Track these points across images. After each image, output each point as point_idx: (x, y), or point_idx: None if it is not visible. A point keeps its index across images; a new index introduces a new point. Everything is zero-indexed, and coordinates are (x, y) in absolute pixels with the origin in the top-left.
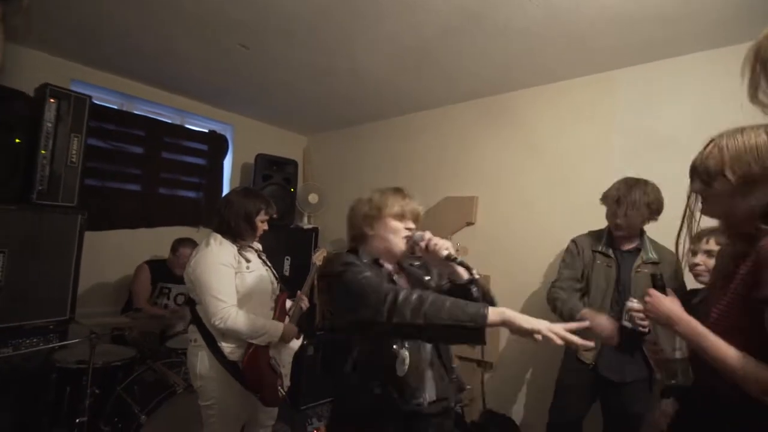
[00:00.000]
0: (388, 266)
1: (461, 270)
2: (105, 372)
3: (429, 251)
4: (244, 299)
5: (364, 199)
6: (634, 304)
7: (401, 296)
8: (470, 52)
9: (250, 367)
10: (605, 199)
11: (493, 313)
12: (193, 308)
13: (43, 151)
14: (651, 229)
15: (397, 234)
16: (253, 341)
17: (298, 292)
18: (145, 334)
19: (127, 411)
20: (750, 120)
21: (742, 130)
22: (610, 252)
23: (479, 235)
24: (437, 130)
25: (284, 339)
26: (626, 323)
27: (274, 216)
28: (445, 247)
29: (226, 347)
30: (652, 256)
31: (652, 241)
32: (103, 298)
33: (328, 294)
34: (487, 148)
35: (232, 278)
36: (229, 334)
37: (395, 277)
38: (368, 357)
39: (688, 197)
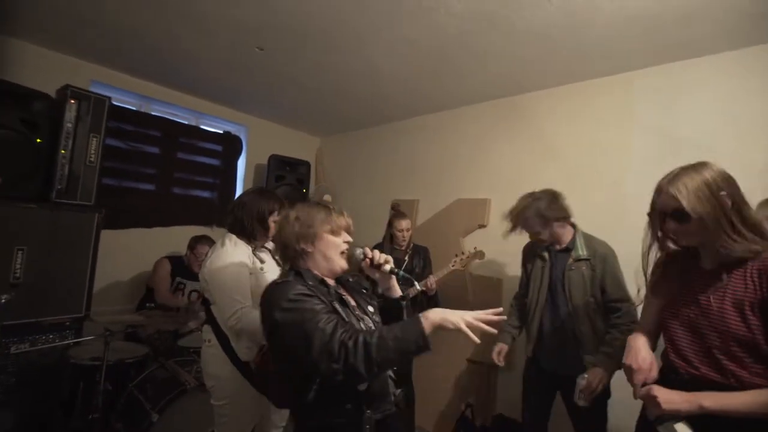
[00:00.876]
0: (332, 284)
1: (396, 285)
2: (118, 369)
3: (374, 266)
4: (258, 300)
5: (291, 218)
6: (583, 382)
7: (350, 352)
8: (487, 53)
9: (262, 368)
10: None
11: (428, 326)
12: (207, 308)
13: (63, 151)
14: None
15: (337, 249)
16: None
17: None
18: (159, 332)
19: (139, 408)
20: None
21: (682, 171)
22: (545, 254)
23: (491, 238)
24: (451, 131)
25: None
26: (580, 402)
27: None
28: (387, 261)
29: (240, 347)
30: (582, 253)
31: (586, 237)
32: (118, 295)
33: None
34: (501, 150)
35: (247, 278)
36: (244, 334)
37: (343, 295)
38: (330, 385)
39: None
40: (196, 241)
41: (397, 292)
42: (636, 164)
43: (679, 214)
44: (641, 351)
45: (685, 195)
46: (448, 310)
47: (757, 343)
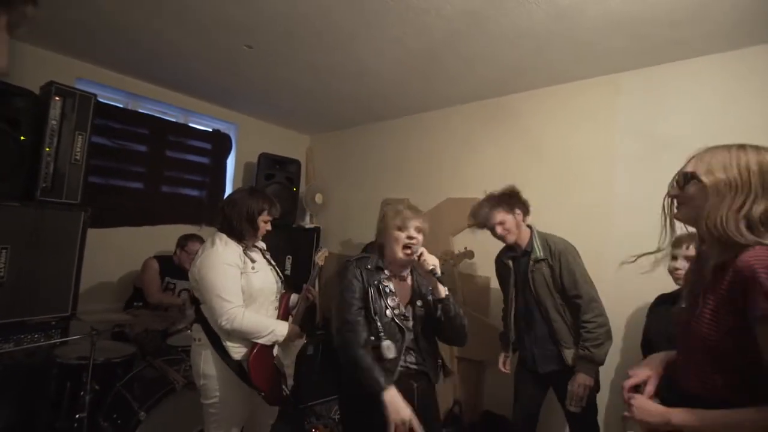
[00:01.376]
0: (386, 272)
1: (440, 286)
2: (105, 368)
3: (419, 263)
4: (250, 299)
5: (383, 212)
6: (571, 389)
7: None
8: (475, 54)
9: (256, 367)
10: None
11: (387, 396)
12: (197, 307)
13: (47, 149)
14: None
15: (397, 243)
16: (259, 341)
17: (305, 285)
18: (147, 331)
19: (126, 407)
20: (760, 123)
21: (718, 146)
22: (510, 262)
23: (481, 237)
24: (440, 131)
25: (289, 338)
26: (572, 408)
27: (277, 216)
28: (431, 263)
29: (232, 347)
30: (539, 254)
31: (542, 236)
32: (105, 295)
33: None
34: (489, 150)
35: (237, 278)
36: (236, 335)
37: (386, 282)
38: None
39: (664, 201)
40: (186, 239)
41: (439, 293)
42: (622, 165)
43: (688, 175)
44: (643, 366)
45: (705, 160)
46: (400, 404)
47: (725, 351)
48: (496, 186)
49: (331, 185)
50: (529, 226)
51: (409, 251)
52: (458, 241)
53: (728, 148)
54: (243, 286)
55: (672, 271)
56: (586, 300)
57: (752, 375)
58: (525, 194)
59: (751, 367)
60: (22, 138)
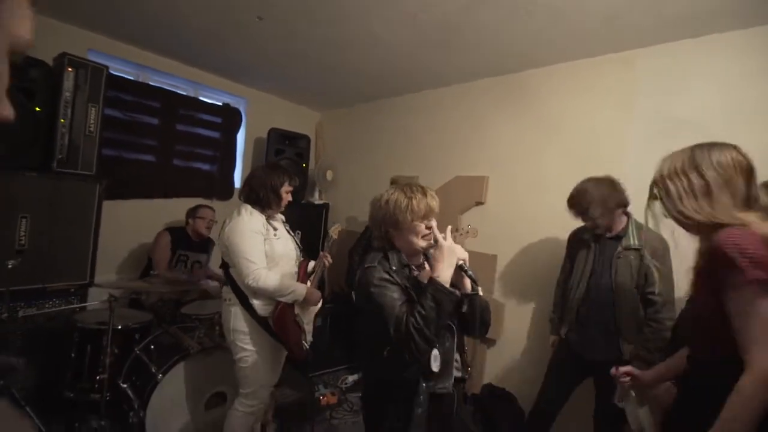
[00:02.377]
0: (415, 270)
1: (467, 282)
2: (124, 334)
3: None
4: (272, 263)
5: (384, 200)
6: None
7: (414, 338)
8: (492, 27)
9: (279, 322)
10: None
11: (446, 279)
12: (227, 271)
13: (62, 120)
14: None
15: (418, 234)
16: (281, 299)
17: (321, 251)
18: (162, 300)
19: (144, 370)
20: None
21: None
22: (591, 241)
23: (489, 214)
24: (451, 108)
25: (307, 301)
26: (620, 404)
27: (297, 186)
28: (461, 257)
29: (258, 304)
30: (633, 242)
31: (638, 226)
32: (121, 264)
33: (362, 309)
34: (500, 128)
35: (261, 244)
36: (260, 293)
37: (417, 276)
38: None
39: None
40: (196, 208)
41: (466, 288)
42: (635, 145)
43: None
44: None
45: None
46: (442, 262)
47: (712, 322)
48: (506, 164)
49: (341, 162)
50: (627, 214)
51: (431, 240)
52: (466, 219)
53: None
54: (266, 251)
55: None
56: (664, 299)
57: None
58: (534, 172)
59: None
60: (37, 109)
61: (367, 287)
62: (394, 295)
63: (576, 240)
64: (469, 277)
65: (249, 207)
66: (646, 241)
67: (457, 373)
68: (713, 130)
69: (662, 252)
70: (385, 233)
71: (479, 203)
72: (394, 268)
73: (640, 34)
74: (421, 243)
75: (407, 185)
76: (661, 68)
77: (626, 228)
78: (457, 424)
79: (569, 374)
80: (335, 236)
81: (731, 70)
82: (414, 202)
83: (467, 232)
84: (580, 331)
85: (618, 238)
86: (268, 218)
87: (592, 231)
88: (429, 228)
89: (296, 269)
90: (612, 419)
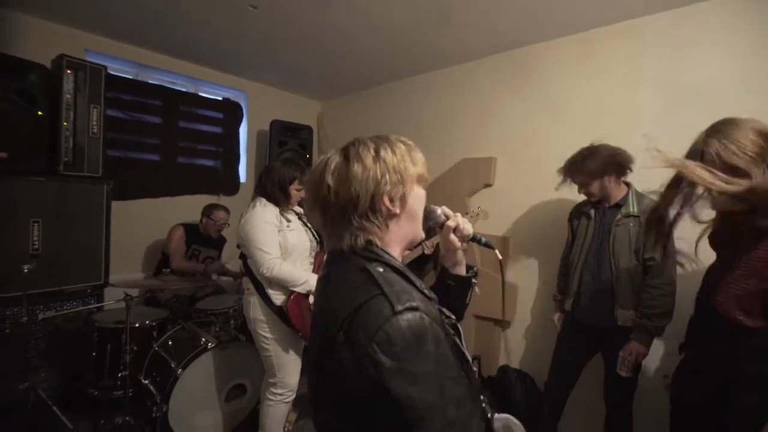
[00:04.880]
0: (430, 294)
1: (464, 261)
2: (142, 331)
3: (457, 234)
4: (286, 253)
5: (367, 160)
6: (624, 354)
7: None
8: (490, 1)
9: (294, 311)
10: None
11: None
12: (245, 262)
13: (65, 123)
14: None
15: (421, 208)
16: (295, 289)
17: None
18: (176, 297)
19: (164, 365)
20: None
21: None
22: (591, 212)
23: (498, 196)
24: (454, 89)
25: None
26: (622, 372)
27: None
28: (469, 229)
29: (273, 294)
30: (633, 210)
31: (639, 195)
32: (134, 263)
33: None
34: (506, 106)
35: (275, 234)
36: (275, 282)
37: (446, 318)
38: None
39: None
40: (211, 208)
41: (464, 268)
42: (644, 118)
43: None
44: None
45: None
46: None
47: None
48: (515, 143)
49: None
50: (627, 184)
51: (443, 224)
52: (475, 201)
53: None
54: (280, 242)
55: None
56: (660, 265)
57: None
58: (541, 150)
59: None
60: (39, 113)
61: (420, 344)
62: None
63: (576, 212)
64: (485, 244)
65: (263, 200)
66: (647, 206)
67: None
68: (725, 100)
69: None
70: (374, 216)
71: (488, 185)
72: (426, 295)
73: (645, 1)
74: (422, 231)
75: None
76: (670, 35)
77: (626, 196)
78: None
79: (577, 349)
80: None
81: (745, 34)
82: (411, 156)
83: (477, 215)
84: (581, 300)
85: (618, 206)
86: (282, 211)
87: (598, 203)
88: None
89: (311, 260)
90: (622, 395)
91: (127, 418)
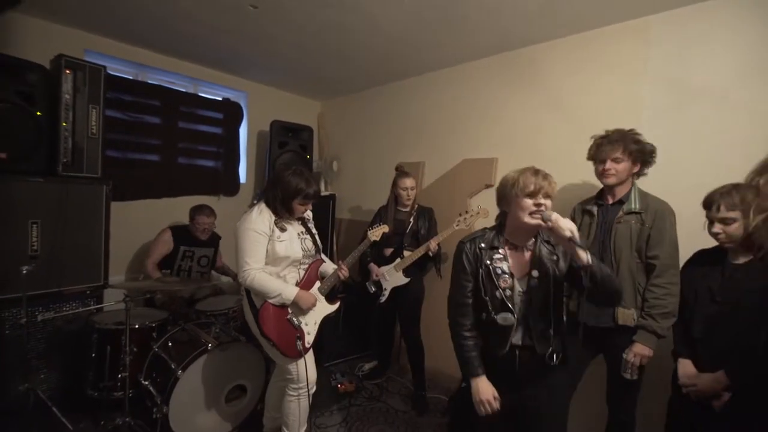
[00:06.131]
0: (501, 251)
1: (581, 252)
2: (141, 332)
3: (553, 231)
4: (274, 262)
5: (503, 178)
6: (628, 357)
7: (452, 329)
8: (495, 1)
9: (265, 318)
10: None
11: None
12: None
13: (64, 123)
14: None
15: (524, 210)
16: (269, 301)
17: (339, 261)
18: (173, 298)
19: (164, 366)
20: None
21: None
22: (594, 209)
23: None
24: (455, 89)
25: (299, 304)
26: (627, 375)
27: (314, 199)
28: (568, 228)
29: (254, 298)
30: (635, 206)
31: (642, 192)
32: (133, 265)
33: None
34: (508, 107)
35: (261, 244)
36: (252, 291)
37: (498, 263)
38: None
39: None
40: (194, 212)
41: (582, 260)
42: (648, 117)
43: None
44: None
45: None
46: (485, 387)
47: None
48: (516, 144)
49: (345, 151)
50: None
51: (538, 217)
52: (476, 202)
53: None
54: (268, 250)
55: (715, 236)
56: (665, 264)
57: None
58: (543, 151)
59: None
60: (38, 114)
61: (455, 259)
62: (462, 280)
63: (579, 211)
64: (580, 246)
65: (263, 206)
66: (649, 204)
67: (518, 343)
68: (729, 99)
69: (667, 214)
70: (501, 213)
71: (489, 186)
72: (483, 245)
73: (650, 0)
74: (529, 220)
75: (526, 168)
76: (676, 34)
77: (629, 193)
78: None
79: (582, 352)
80: (375, 238)
81: (752, 34)
82: (522, 178)
83: (477, 213)
84: (583, 300)
85: (620, 203)
86: (279, 219)
87: (599, 201)
88: (537, 205)
89: (304, 268)
90: (626, 398)
91: (127, 419)
